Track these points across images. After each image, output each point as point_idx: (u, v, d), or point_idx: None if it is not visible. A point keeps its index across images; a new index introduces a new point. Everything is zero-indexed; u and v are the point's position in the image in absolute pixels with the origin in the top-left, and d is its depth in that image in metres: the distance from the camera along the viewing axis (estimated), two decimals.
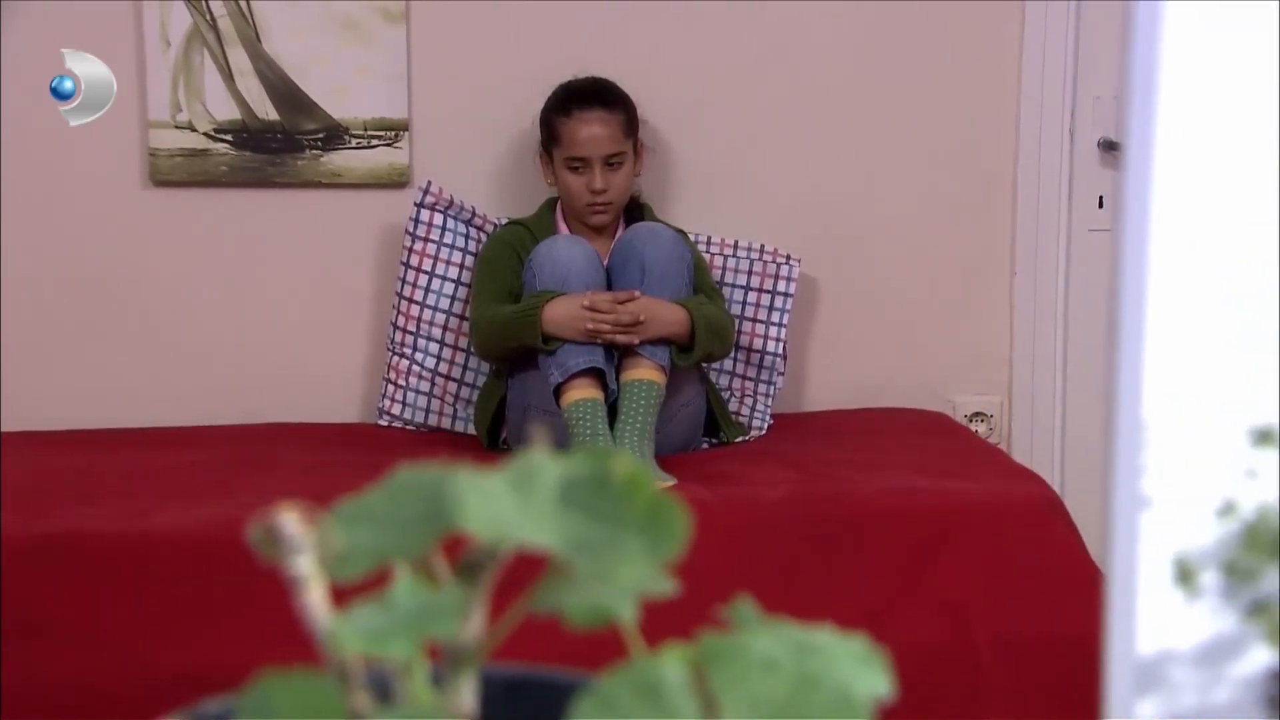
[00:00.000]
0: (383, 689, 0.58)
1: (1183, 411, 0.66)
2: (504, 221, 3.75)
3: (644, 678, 0.54)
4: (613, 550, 0.57)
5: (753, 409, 3.75)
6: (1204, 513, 0.66)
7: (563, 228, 3.65)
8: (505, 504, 0.57)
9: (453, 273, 3.72)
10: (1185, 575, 0.64)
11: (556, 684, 0.66)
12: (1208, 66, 0.65)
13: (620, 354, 3.32)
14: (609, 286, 3.41)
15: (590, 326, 3.26)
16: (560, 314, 3.28)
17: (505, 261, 3.56)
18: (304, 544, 0.56)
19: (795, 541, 2.91)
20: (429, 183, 3.71)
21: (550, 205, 3.70)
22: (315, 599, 0.56)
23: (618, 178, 3.60)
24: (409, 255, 3.72)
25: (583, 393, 3.25)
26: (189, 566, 2.85)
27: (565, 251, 3.41)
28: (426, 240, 3.71)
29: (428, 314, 3.72)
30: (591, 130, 3.57)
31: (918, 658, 2.82)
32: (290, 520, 0.56)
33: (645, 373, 3.29)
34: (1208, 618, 0.67)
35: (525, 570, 0.64)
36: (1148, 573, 0.68)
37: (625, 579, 0.56)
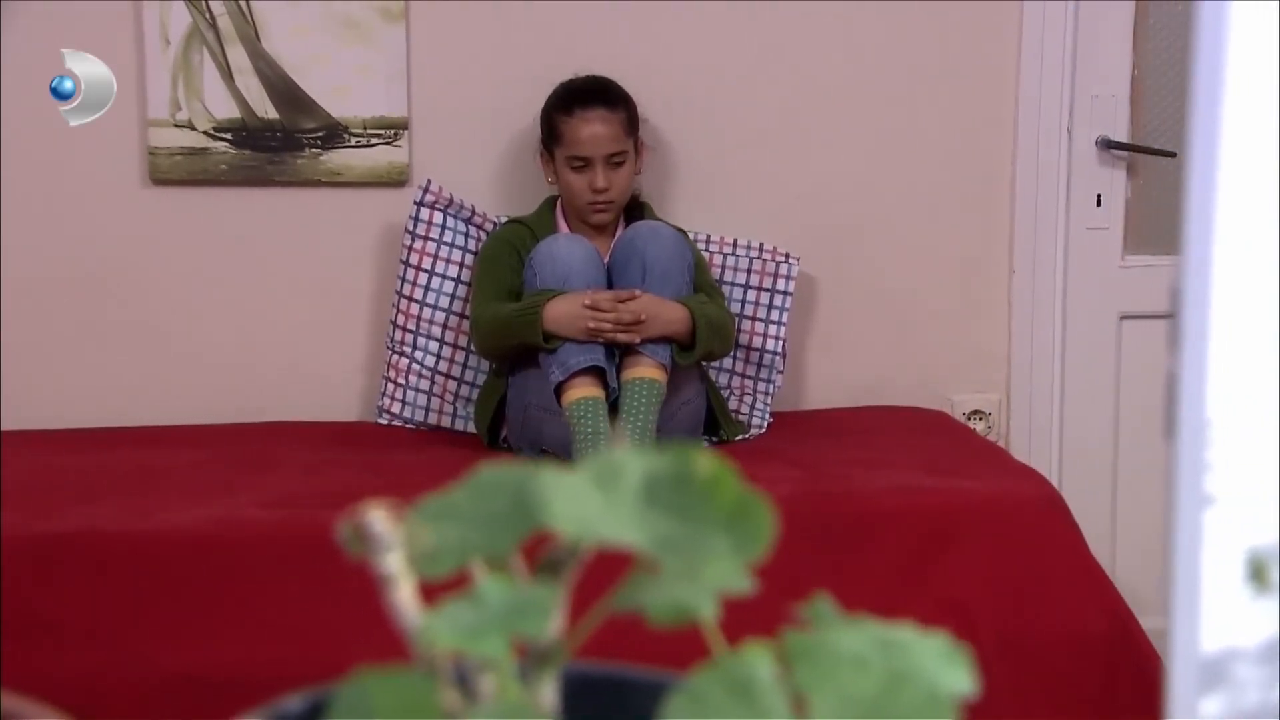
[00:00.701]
0: (461, 686, 0.58)
1: (1250, 408, 0.66)
2: (504, 220, 3.75)
3: (734, 675, 0.54)
4: (698, 548, 0.57)
5: (752, 407, 3.76)
6: (1271, 509, 0.66)
7: (563, 226, 3.65)
8: (590, 502, 0.57)
9: (453, 271, 3.72)
10: (1258, 572, 0.64)
11: (627, 681, 0.66)
12: (1270, 65, 0.65)
13: (621, 352, 3.33)
14: (609, 285, 3.42)
15: (591, 325, 3.26)
16: (561, 313, 3.29)
17: (506, 260, 3.56)
18: (393, 542, 0.56)
19: (798, 540, 2.90)
20: (429, 181, 3.71)
21: (550, 204, 3.70)
22: (405, 596, 0.56)
23: (619, 176, 3.60)
24: (409, 254, 3.72)
25: (584, 391, 3.25)
26: (192, 566, 2.85)
27: (566, 250, 3.41)
28: (426, 239, 3.71)
29: (428, 312, 3.72)
30: (593, 129, 3.57)
31: None
32: (379, 518, 0.56)
33: (646, 371, 3.30)
34: (1273, 615, 0.67)
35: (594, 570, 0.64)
36: (1211, 570, 0.68)
37: (712, 577, 0.56)
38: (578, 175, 3.58)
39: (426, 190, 3.71)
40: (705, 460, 0.59)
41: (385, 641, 2.34)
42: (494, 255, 3.60)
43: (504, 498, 0.59)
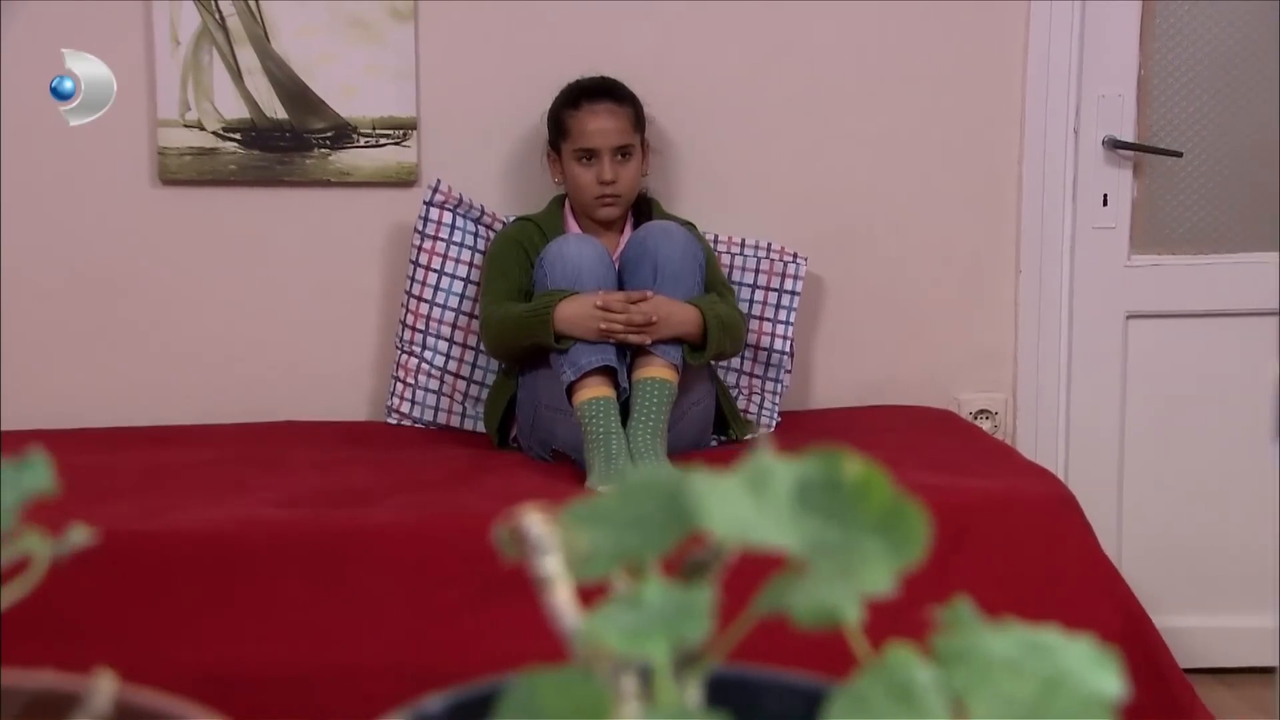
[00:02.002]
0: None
1: None
2: (512, 219, 3.76)
3: (895, 678, 0.55)
4: (851, 552, 0.58)
5: (760, 406, 3.76)
6: None
7: (572, 225, 3.66)
8: (744, 506, 0.58)
9: (462, 271, 3.72)
10: None
11: (760, 683, 0.67)
12: None
13: (632, 352, 3.33)
14: (620, 285, 3.42)
15: (603, 326, 3.27)
16: (572, 313, 3.29)
17: (515, 259, 3.57)
18: (551, 545, 0.57)
19: None
20: (438, 181, 3.71)
21: (559, 203, 3.71)
22: (563, 598, 0.57)
23: (627, 170, 3.60)
24: (418, 253, 3.73)
25: (595, 391, 3.26)
26: (208, 565, 2.85)
27: (576, 250, 3.42)
28: (435, 238, 3.71)
29: (437, 312, 3.72)
30: (601, 122, 3.58)
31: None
32: (536, 521, 0.57)
33: (658, 371, 3.30)
34: None
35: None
36: None
37: (867, 581, 0.56)
38: (585, 168, 3.59)
39: (436, 190, 3.71)
40: (855, 464, 0.60)
41: (394, 641, 2.34)
42: (503, 254, 3.60)
43: (655, 501, 0.59)
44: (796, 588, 0.59)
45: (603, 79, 3.68)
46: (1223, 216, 3.99)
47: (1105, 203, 3.97)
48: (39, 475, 0.67)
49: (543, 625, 2.33)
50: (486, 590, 2.79)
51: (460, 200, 3.72)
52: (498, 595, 2.79)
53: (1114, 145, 3.93)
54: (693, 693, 0.60)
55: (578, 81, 3.67)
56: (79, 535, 0.65)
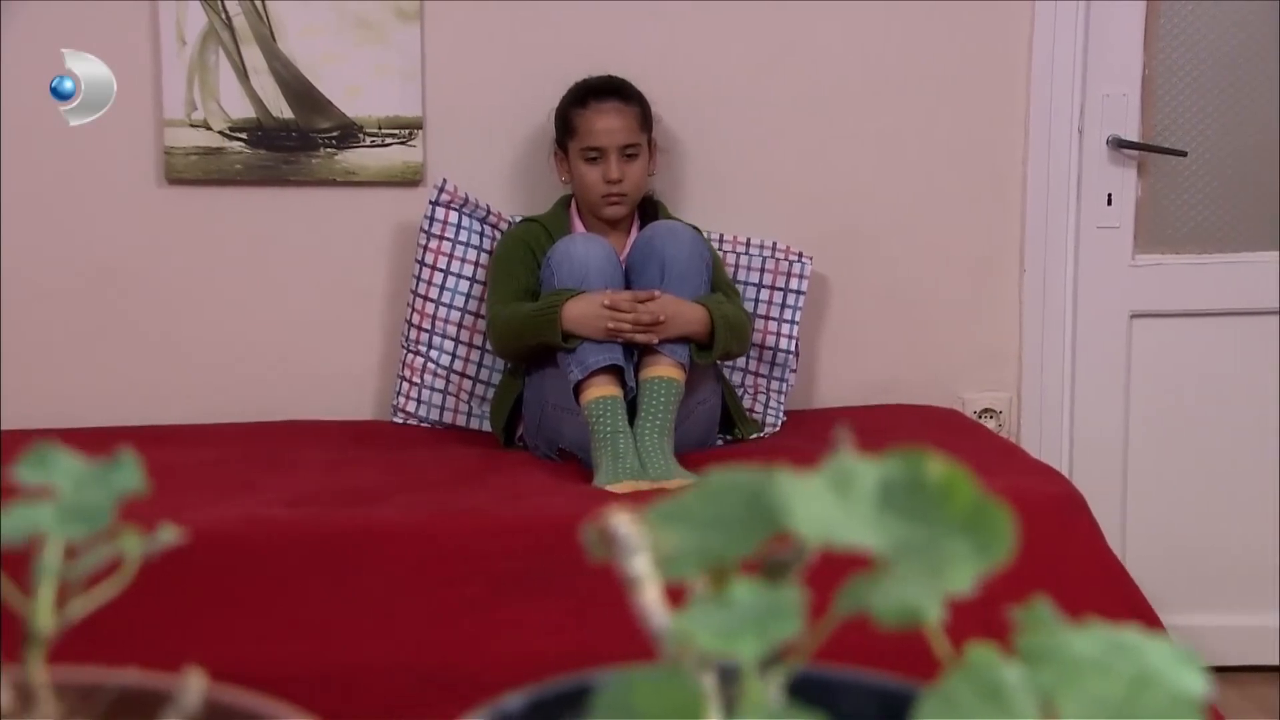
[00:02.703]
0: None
1: None
2: (518, 219, 3.76)
3: (985, 678, 0.55)
4: (935, 552, 0.58)
5: (766, 406, 3.77)
6: None
7: (578, 225, 3.66)
8: (829, 506, 0.58)
9: (468, 270, 3.73)
10: None
11: (834, 682, 0.67)
12: None
13: (639, 352, 3.33)
14: (627, 285, 3.42)
15: (611, 325, 3.27)
16: (580, 312, 3.29)
17: (521, 259, 3.57)
18: (640, 545, 0.57)
19: None
20: (444, 180, 3.71)
21: (565, 203, 3.71)
22: (653, 598, 0.57)
23: (633, 169, 3.61)
24: (424, 253, 3.73)
25: (602, 390, 3.26)
26: (214, 564, 2.84)
27: (584, 249, 3.42)
28: (441, 238, 3.71)
29: (443, 311, 3.72)
30: (608, 121, 3.59)
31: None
32: (624, 522, 0.57)
33: (665, 370, 3.31)
34: None
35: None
36: None
37: (951, 581, 0.57)
38: (591, 167, 3.59)
39: (441, 189, 3.71)
40: (938, 464, 0.60)
41: (401, 640, 2.34)
42: (509, 254, 3.61)
43: (737, 501, 0.60)
44: (878, 587, 0.59)
45: (610, 78, 3.68)
46: (1227, 216, 3.99)
47: (1109, 202, 3.97)
48: (129, 475, 0.67)
49: (549, 624, 2.33)
50: (494, 589, 2.79)
51: (466, 200, 3.72)
52: (505, 594, 2.79)
53: (1118, 145, 3.94)
54: (774, 693, 0.61)
55: (585, 80, 3.67)
56: (168, 534, 0.66)
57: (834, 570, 0.67)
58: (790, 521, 0.57)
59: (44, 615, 0.61)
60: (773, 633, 0.55)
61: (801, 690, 0.67)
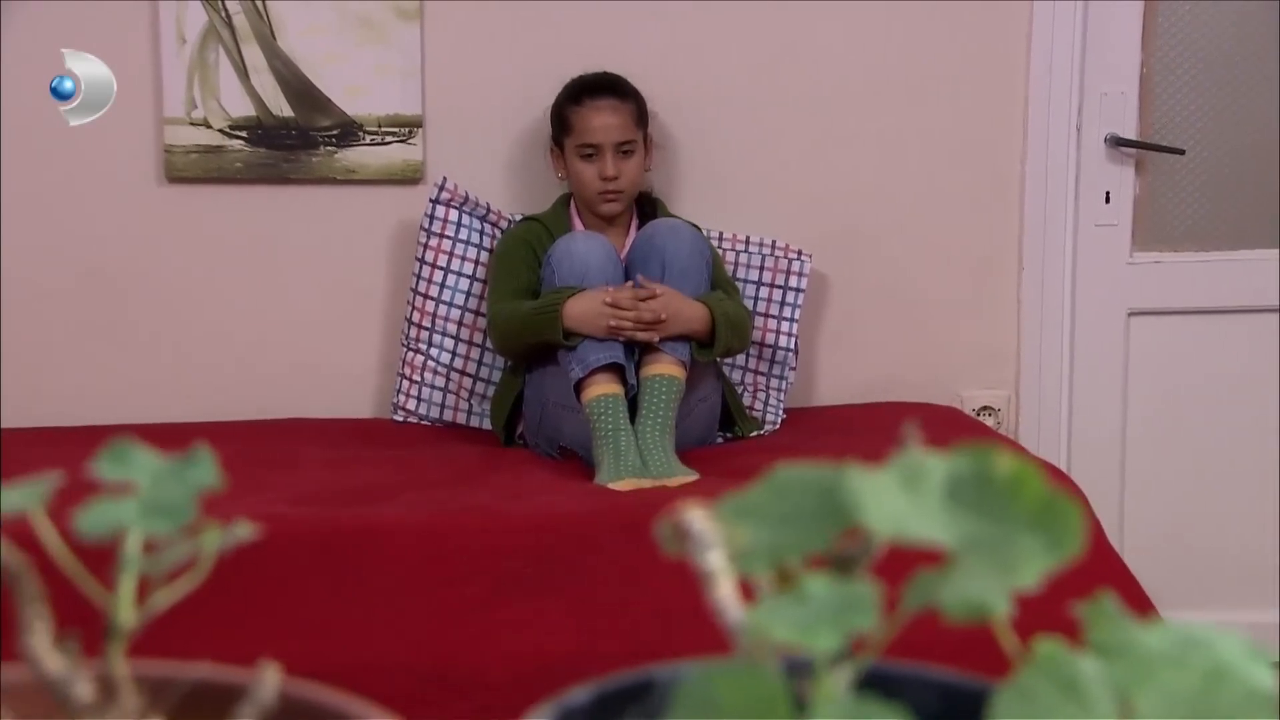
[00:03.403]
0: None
1: None
2: (518, 218, 3.76)
3: (1062, 673, 0.56)
4: (1004, 547, 0.58)
5: (765, 403, 3.77)
6: None
7: (577, 223, 3.66)
8: (900, 501, 0.58)
9: (468, 268, 3.73)
10: None
11: (899, 677, 0.67)
12: None
13: (640, 349, 3.34)
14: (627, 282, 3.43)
15: (612, 323, 3.27)
16: (581, 310, 3.30)
17: (522, 258, 3.57)
18: (714, 540, 0.58)
19: None
20: (444, 179, 3.71)
21: (564, 201, 3.71)
22: (727, 592, 0.57)
23: (629, 166, 3.61)
24: (424, 251, 3.73)
25: (603, 388, 3.26)
26: (217, 563, 2.84)
27: (584, 247, 3.42)
28: (441, 236, 3.71)
29: (443, 309, 3.72)
30: (604, 118, 3.59)
31: (945, 655, 2.84)
32: (698, 517, 0.57)
33: (666, 368, 3.31)
34: None
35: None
36: None
37: (1020, 576, 0.57)
38: (587, 164, 3.60)
39: (442, 188, 3.71)
40: (1006, 460, 0.60)
41: (405, 638, 2.34)
42: (510, 253, 3.61)
43: (806, 496, 0.60)
44: (947, 582, 0.59)
45: (605, 74, 3.69)
46: (1224, 214, 4.01)
47: (1107, 200, 3.98)
48: (206, 470, 0.68)
49: (550, 623, 2.33)
50: (495, 588, 2.79)
51: (466, 198, 3.72)
52: (506, 593, 2.79)
53: (1116, 143, 3.95)
54: (845, 688, 0.61)
55: (580, 77, 3.68)
56: (243, 530, 0.66)
57: (893, 566, 0.67)
58: (862, 517, 0.57)
59: (125, 609, 0.62)
60: (849, 626, 0.56)
61: (865, 685, 0.68)
